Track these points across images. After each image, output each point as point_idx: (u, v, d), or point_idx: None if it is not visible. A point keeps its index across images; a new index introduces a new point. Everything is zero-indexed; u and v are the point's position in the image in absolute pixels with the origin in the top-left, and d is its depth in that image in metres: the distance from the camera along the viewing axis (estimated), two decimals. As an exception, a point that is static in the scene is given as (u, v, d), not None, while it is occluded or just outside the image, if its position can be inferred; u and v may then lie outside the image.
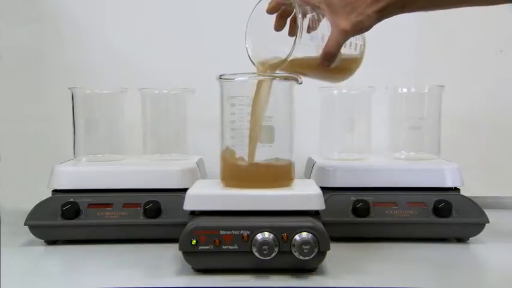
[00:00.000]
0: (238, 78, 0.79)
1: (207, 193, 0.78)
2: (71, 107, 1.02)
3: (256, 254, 0.72)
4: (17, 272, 0.80)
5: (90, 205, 0.91)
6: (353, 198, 0.91)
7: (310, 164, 1.02)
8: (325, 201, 0.79)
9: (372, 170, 0.95)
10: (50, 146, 1.20)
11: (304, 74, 0.81)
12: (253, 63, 0.81)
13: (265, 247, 0.72)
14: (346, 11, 0.73)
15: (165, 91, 1.03)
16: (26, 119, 1.22)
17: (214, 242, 0.73)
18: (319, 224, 0.74)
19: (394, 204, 0.91)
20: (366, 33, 0.77)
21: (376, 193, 0.92)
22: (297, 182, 0.82)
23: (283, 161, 0.80)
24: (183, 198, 0.78)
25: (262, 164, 0.79)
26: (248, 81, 0.79)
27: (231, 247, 0.73)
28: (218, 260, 0.74)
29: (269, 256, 0.72)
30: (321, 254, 0.73)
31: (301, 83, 0.80)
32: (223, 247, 0.73)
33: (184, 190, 0.79)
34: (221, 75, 0.79)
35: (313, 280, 0.73)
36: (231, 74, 0.79)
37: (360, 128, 1.02)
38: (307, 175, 1.03)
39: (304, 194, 0.77)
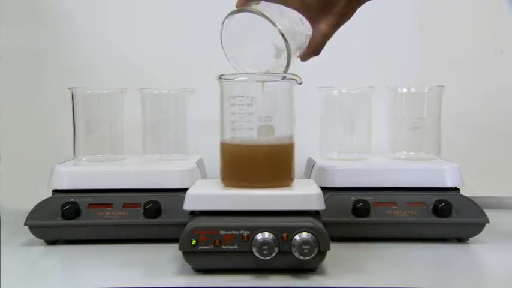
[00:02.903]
0: (238, 78, 0.79)
1: (207, 193, 0.78)
2: (71, 107, 1.02)
3: (256, 254, 0.72)
4: (17, 272, 0.80)
5: (90, 205, 0.91)
6: (353, 198, 0.91)
7: (310, 164, 1.02)
8: (325, 201, 0.79)
9: (372, 170, 0.95)
10: (50, 146, 1.20)
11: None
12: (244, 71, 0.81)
13: (265, 247, 0.72)
14: (325, 14, 0.75)
15: (165, 91, 1.03)
16: (26, 119, 1.22)
17: (214, 242, 0.73)
18: (319, 224, 0.74)
19: (394, 204, 0.91)
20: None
21: (376, 193, 0.92)
22: (297, 182, 0.82)
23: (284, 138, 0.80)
24: (183, 198, 0.78)
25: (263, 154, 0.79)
26: (248, 81, 0.79)
27: (231, 247, 0.73)
28: (218, 260, 0.74)
29: (269, 256, 0.72)
30: (321, 254, 0.73)
31: (301, 83, 0.80)
32: (223, 247, 0.73)
33: (184, 190, 0.79)
34: (221, 75, 0.79)
35: (313, 280, 0.73)
36: (231, 74, 0.79)
37: (360, 128, 1.02)
38: (307, 175, 1.03)
39: (304, 194, 0.77)
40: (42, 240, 0.91)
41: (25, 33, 1.22)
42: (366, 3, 0.75)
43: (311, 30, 0.76)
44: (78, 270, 0.82)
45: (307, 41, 0.77)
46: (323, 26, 0.75)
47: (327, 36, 0.76)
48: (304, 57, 0.78)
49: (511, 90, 1.25)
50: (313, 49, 0.77)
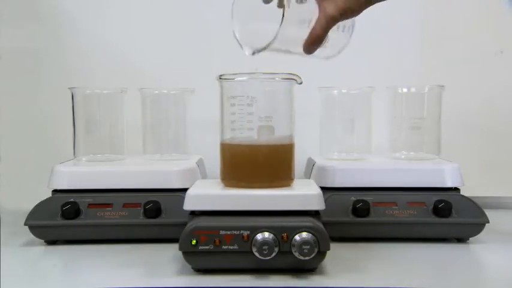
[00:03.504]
0: (238, 78, 0.79)
1: (207, 193, 0.78)
2: (71, 107, 1.02)
3: (256, 254, 0.72)
4: (17, 272, 0.80)
5: (90, 205, 0.91)
6: (353, 198, 0.91)
7: (310, 164, 1.02)
8: (325, 201, 0.79)
9: (372, 170, 0.95)
10: (50, 146, 1.20)
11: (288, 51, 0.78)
12: (241, 46, 0.78)
13: (265, 247, 0.72)
14: None
15: (165, 91, 1.03)
16: (26, 119, 1.22)
17: (214, 242, 0.73)
18: (319, 224, 0.74)
19: (394, 204, 0.91)
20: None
21: (376, 193, 0.92)
22: (297, 182, 0.82)
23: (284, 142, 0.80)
24: (183, 198, 0.78)
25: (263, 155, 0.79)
26: (248, 81, 0.79)
27: (231, 247, 0.73)
28: (218, 260, 0.74)
29: (269, 256, 0.72)
30: (321, 254, 0.73)
31: (301, 83, 0.80)
32: (223, 247, 0.73)
33: (184, 190, 0.79)
34: (221, 75, 0.79)
35: (313, 280, 0.73)
36: (231, 74, 0.79)
37: (360, 128, 1.02)
38: (307, 175, 1.03)
39: (304, 194, 0.77)
40: (42, 240, 0.91)
41: (25, 33, 1.22)
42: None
43: (317, 11, 0.72)
44: (78, 270, 0.82)
45: (312, 22, 0.73)
46: (330, 6, 0.71)
47: (331, 19, 0.71)
48: (307, 46, 0.74)
49: (511, 90, 1.25)
50: (315, 33, 0.72)
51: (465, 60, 1.23)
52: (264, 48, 0.75)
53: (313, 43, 0.74)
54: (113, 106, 1.03)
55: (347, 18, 0.74)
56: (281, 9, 0.72)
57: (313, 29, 0.73)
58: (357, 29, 0.80)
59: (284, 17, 0.71)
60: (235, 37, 0.77)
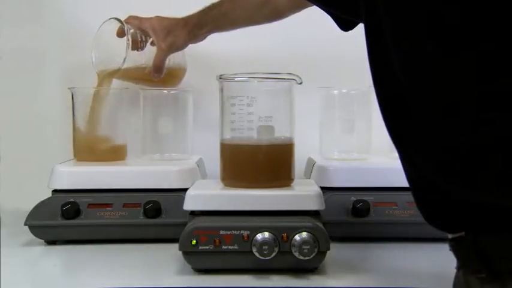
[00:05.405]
0: (238, 78, 0.79)
1: (207, 193, 0.78)
2: (71, 107, 1.02)
3: (256, 254, 0.72)
4: (17, 272, 0.80)
5: (90, 205, 0.91)
6: (353, 198, 0.91)
7: (310, 164, 1.02)
8: (325, 201, 0.79)
9: (372, 170, 0.95)
10: (50, 146, 1.20)
11: (141, 83, 1.05)
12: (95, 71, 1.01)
13: (265, 247, 0.72)
14: (164, 34, 0.98)
15: (165, 91, 1.04)
16: (26, 119, 1.22)
17: (214, 242, 0.73)
18: (319, 224, 0.74)
19: (394, 204, 0.91)
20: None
21: (376, 193, 0.92)
22: (297, 182, 0.82)
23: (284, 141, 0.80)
24: (183, 198, 0.78)
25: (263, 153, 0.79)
26: (248, 81, 0.79)
27: (231, 247, 0.73)
28: (218, 260, 0.74)
29: (269, 256, 0.72)
30: (321, 254, 0.73)
31: (301, 83, 0.80)
32: (223, 247, 0.73)
33: (184, 190, 0.80)
34: (221, 75, 0.79)
35: (313, 280, 0.73)
36: (231, 74, 0.79)
37: (360, 128, 1.02)
38: (307, 175, 1.03)
39: (304, 194, 0.77)
40: (42, 240, 0.91)
41: (25, 33, 1.22)
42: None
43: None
44: (78, 270, 0.82)
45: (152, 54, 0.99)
46: (161, 42, 0.98)
47: (163, 52, 0.98)
48: (153, 73, 0.99)
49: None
50: (155, 62, 0.98)
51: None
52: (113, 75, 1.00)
53: (156, 71, 1.00)
54: (113, 106, 1.03)
55: (175, 51, 1.01)
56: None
57: (154, 60, 0.99)
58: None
59: (126, 55, 0.96)
60: (92, 62, 1.02)
